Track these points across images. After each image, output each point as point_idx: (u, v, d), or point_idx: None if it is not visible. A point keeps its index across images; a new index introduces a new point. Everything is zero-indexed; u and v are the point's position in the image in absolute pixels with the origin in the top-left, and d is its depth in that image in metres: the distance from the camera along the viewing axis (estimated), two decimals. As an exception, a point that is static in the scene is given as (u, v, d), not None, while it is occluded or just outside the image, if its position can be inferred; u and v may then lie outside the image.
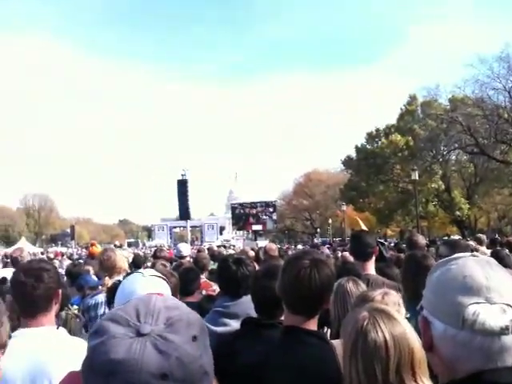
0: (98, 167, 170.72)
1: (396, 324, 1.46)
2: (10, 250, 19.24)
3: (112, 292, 2.10)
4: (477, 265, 1.13)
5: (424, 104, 40.60)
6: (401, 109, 44.27)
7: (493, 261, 1.18)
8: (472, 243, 10.23)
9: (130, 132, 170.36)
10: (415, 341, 1.43)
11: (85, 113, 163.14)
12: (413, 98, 43.47)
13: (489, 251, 7.30)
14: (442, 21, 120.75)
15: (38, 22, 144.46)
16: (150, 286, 1.84)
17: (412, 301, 2.94)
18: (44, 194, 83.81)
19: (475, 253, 1.21)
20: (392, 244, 21.39)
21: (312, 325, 1.95)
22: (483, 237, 10.46)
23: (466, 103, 32.47)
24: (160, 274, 2.03)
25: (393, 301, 2.22)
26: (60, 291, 2.23)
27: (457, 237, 41.42)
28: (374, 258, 3.92)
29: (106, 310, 3.54)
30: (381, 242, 6.51)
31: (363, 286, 2.89)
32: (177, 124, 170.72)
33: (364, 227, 8.74)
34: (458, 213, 38.17)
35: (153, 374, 0.69)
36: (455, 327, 1.08)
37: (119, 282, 2.48)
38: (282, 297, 1.98)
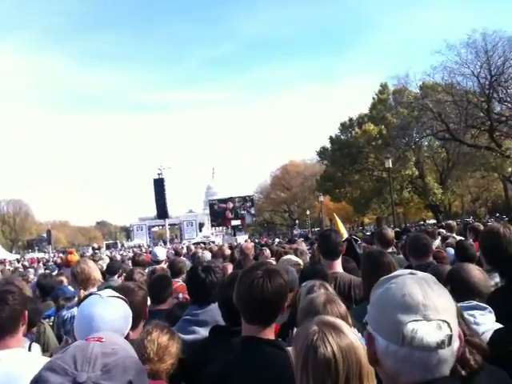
0: (72, 169, 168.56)
1: (344, 337, 1.51)
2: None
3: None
4: (415, 283, 1.20)
5: (395, 92, 41.06)
6: (373, 98, 44.61)
7: (430, 278, 1.24)
8: (443, 231, 10.56)
9: (104, 132, 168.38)
10: (363, 353, 1.50)
11: (58, 115, 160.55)
12: (384, 87, 43.86)
13: (459, 237, 7.59)
14: (410, 10, 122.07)
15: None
16: (105, 310, 1.95)
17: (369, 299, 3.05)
18: (18, 200, 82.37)
19: (413, 271, 1.28)
20: (368, 233, 21.83)
21: (268, 333, 2.02)
22: (453, 223, 10.80)
23: (436, 90, 32.88)
24: (117, 294, 2.08)
25: (336, 312, 2.23)
26: (26, 312, 2.26)
27: (432, 221, 42.22)
28: (341, 255, 4.02)
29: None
30: (354, 239, 6.61)
31: (331, 290, 2.97)
32: (152, 123, 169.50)
33: (341, 226, 8.80)
34: (432, 198, 38.83)
35: None
36: (396, 344, 1.15)
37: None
38: (239, 307, 2.05)
